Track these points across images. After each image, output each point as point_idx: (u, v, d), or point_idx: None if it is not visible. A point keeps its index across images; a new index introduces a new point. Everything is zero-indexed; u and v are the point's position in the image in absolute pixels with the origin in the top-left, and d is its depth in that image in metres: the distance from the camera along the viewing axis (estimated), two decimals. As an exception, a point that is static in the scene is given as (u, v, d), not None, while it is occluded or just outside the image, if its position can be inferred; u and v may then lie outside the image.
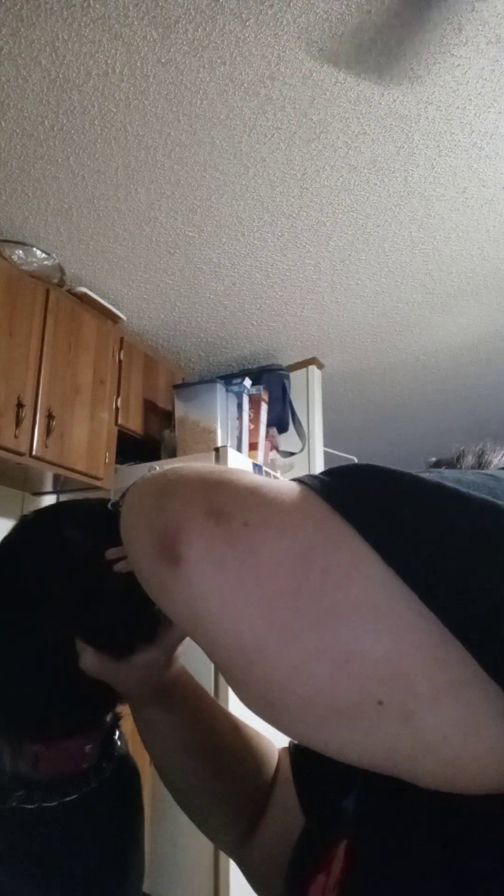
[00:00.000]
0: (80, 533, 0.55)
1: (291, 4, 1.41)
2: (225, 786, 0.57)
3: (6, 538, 0.58)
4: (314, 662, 0.26)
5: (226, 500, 0.31)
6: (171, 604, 0.33)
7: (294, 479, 0.32)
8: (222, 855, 1.94)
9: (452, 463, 0.64)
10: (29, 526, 0.59)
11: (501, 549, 0.25)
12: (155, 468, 0.47)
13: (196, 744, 0.57)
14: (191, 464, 0.39)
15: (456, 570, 0.25)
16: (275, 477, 2.54)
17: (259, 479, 0.33)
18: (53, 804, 0.53)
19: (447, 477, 0.29)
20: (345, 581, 0.26)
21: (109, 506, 0.49)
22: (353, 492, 0.29)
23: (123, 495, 0.46)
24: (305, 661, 0.26)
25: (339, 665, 0.25)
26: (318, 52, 1.52)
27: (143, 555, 0.35)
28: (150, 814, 2.03)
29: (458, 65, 1.55)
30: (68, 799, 0.54)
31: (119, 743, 0.61)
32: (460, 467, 0.65)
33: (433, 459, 0.72)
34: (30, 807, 0.52)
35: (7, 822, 0.52)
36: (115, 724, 0.62)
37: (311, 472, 0.33)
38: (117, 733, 0.62)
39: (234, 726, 0.60)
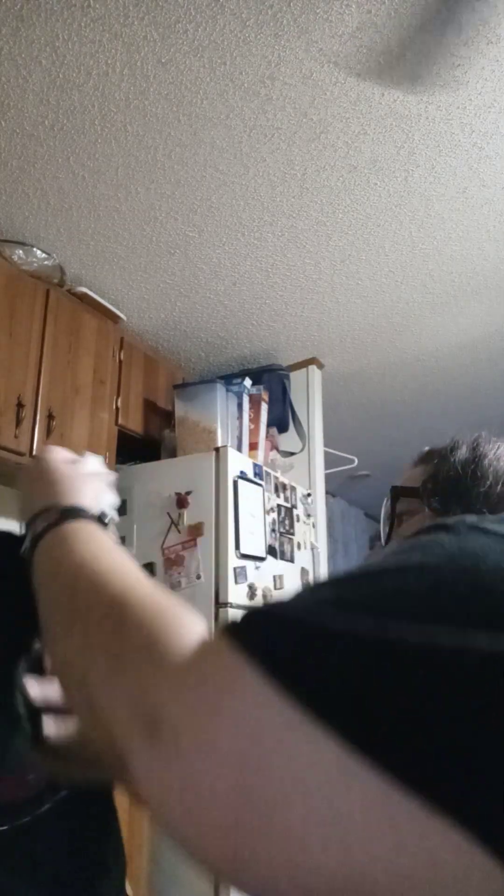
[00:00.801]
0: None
1: (291, 4, 1.41)
2: None
3: None
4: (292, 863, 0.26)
5: (153, 703, 0.30)
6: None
7: (223, 637, 0.31)
8: (222, 855, 1.94)
9: (445, 454, 0.64)
10: None
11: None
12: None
13: None
14: (101, 587, 0.40)
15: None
16: (275, 477, 2.54)
17: (187, 657, 0.32)
18: (4, 828, 0.53)
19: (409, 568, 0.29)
20: (291, 775, 0.26)
21: (21, 553, 0.49)
22: (286, 660, 0.28)
23: (34, 540, 0.48)
24: (265, 873, 0.26)
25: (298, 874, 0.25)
26: (318, 52, 1.52)
27: (93, 738, 0.36)
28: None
29: (458, 65, 1.55)
30: (19, 823, 0.54)
31: None
32: (454, 459, 0.65)
33: (426, 449, 0.72)
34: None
35: None
36: None
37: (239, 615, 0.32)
38: None
39: None
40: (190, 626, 0.35)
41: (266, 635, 0.29)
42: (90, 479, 0.56)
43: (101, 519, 0.52)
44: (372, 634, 0.27)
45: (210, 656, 0.31)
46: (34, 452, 2.07)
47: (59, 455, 0.59)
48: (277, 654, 0.28)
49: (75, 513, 0.50)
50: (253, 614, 0.31)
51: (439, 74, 1.57)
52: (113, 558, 0.44)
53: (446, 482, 0.60)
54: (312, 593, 0.32)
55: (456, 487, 0.61)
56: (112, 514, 0.56)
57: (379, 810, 0.24)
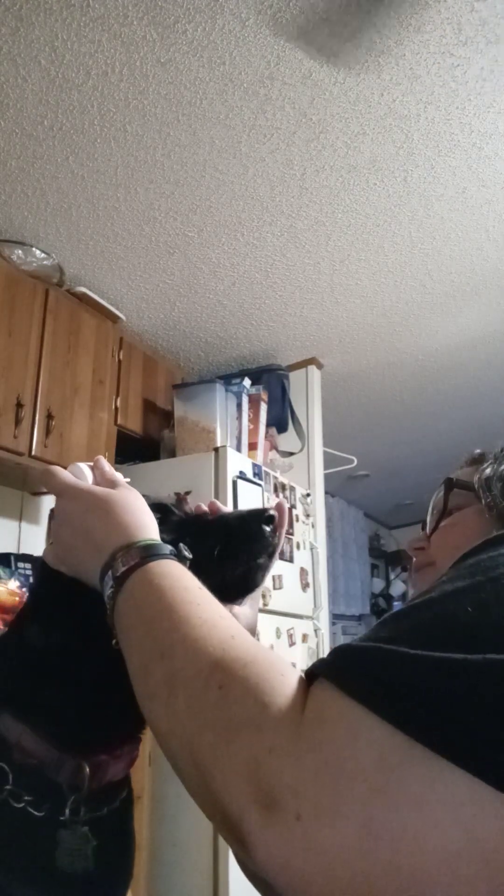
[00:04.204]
0: None
1: (291, 4, 1.41)
2: None
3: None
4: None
5: (268, 777, 0.30)
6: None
7: (326, 695, 0.31)
8: (222, 855, 1.94)
9: (501, 456, 0.65)
10: None
11: None
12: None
13: None
14: (202, 649, 0.38)
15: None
16: (275, 477, 2.54)
17: (295, 717, 0.32)
18: (102, 813, 0.54)
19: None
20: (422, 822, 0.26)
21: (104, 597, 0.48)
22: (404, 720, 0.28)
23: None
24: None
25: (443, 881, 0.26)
26: (317, 52, 1.52)
27: (201, 806, 0.36)
28: (150, 814, 2.04)
29: (458, 65, 1.55)
30: (114, 806, 0.55)
31: None
32: None
33: (478, 452, 0.73)
34: (82, 818, 0.53)
35: (51, 835, 0.52)
36: None
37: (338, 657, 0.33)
38: None
39: None
40: (291, 681, 0.34)
41: (375, 680, 0.29)
42: (144, 506, 0.53)
43: (180, 555, 0.50)
44: (489, 666, 0.27)
45: (321, 709, 0.31)
46: (33, 452, 2.07)
47: (81, 475, 0.56)
48: (392, 698, 0.28)
49: (157, 551, 0.47)
50: (352, 658, 0.31)
51: (439, 74, 1.57)
52: (205, 609, 0.42)
53: (501, 480, 0.61)
54: (400, 629, 0.31)
55: None
56: (186, 552, 0.55)
57: None
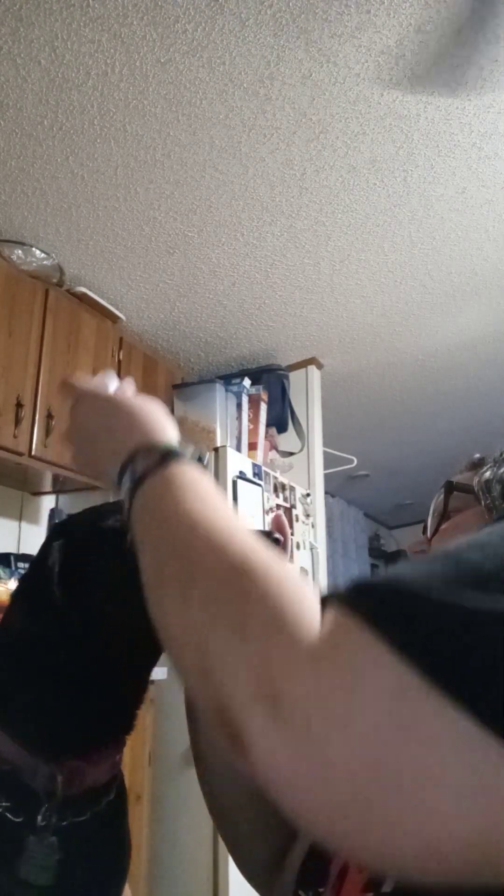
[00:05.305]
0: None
1: (291, 4, 1.41)
2: None
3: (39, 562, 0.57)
4: (402, 842, 0.27)
5: (282, 686, 0.30)
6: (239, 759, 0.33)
7: (347, 614, 0.31)
8: (221, 857, 1.94)
9: (500, 459, 0.66)
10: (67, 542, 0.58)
11: None
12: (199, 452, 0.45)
13: None
14: (227, 550, 0.37)
15: None
16: (275, 477, 2.54)
17: (314, 631, 0.31)
18: (85, 817, 0.53)
19: None
20: (432, 754, 0.26)
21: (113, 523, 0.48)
22: (423, 643, 0.28)
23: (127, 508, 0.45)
24: (394, 842, 0.27)
25: (428, 850, 0.26)
26: (317, 53, 1.52)
27: (189, 675, 0.35)
28: (150, 814, 2.03)
29: (458, 65, 1.55)
30: (98, 809, 0.54)
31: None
32: None
33: (477, 456, 0.74)
34: (63, 823, 0.51)
35: (33, 839, 0.51)
36: None
37: (354, 582, 0.32)
38: None
39: None
40: (312, 597, 0.34)
41: (397, 611, 0.29)
42: (166, 414, 0.52)
43: (200, 460, 0.48)
44: None
45: (341, 633, 0.30)
46: (33, 452, 2.07)
47: (104, 384, 0.55)
48: (411, 631, 0.28)
49: (177, 454, 0.46)
50: (379, 587, 0.31)
51: (438, 74, 1.58)
52: (227, 514, 0.41)
53: (500, 482, 0.62)
54: (434, 566, 0.31)
55: None
56: (205, 455, 0.52)
57: None
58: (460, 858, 0.26)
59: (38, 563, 0.57)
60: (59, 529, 0.60)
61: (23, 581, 0.57)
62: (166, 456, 0.46)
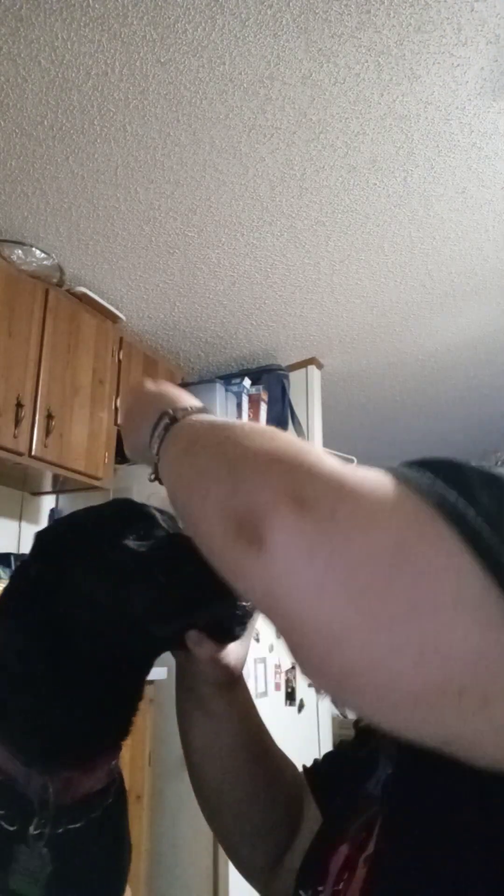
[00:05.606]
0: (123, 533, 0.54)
1: (291, 4, 1.41)
2: (268, 790, 0.58)
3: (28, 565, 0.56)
4: (400, 653, 0.26)
5: (310, 486, 0.30)
6: (246, 582, 0.33)
7: (380, 469, 0.32)
8: (221, 857, 1.94)
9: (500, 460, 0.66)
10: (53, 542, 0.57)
11: None
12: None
13: (250, 743, 0.58)
14: (255, 428, 0.38)
15: None
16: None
17: (340, 465, 0.32)
18: (80, 825, 0.52)
19: None
20: (438, 576, 0.26)
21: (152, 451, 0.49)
22: (445, 486, 0.29)
23: (161, 439, 0.47)
24: (392, 651, 0.27)
25: (426, 656, 0.26)
26: (317, 53, 1.52)
27: (214, 528, 0.35)
28: (150, 814, 2.03)
29: (458, 65, 1.55)
30: (94, 815, 0.54)
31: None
32: None
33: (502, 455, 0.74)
34: (58, 831, 0.51)
35: (29, 848, 0.51)
36: None
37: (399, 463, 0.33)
38: None
39: (271, 738, 0.61)
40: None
41: (432, 477, 0.30)
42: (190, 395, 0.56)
43: None
44: None
45: (382, 475, 0.31)
46: (33, 452, 2.07)
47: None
48: (452, 480, 0.29)
49: (200, 409, 0.50)
50: (428, 463, 0.32)
51: (438, 74, 1.57)
52: (252, 425, 0.42)
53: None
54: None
55: None
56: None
57: None
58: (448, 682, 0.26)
59: (18, 573, 0.56)
60: (41, 536, 0.59)
61: (5, 593, 0.56)
62: (190, 410, 0.50)
